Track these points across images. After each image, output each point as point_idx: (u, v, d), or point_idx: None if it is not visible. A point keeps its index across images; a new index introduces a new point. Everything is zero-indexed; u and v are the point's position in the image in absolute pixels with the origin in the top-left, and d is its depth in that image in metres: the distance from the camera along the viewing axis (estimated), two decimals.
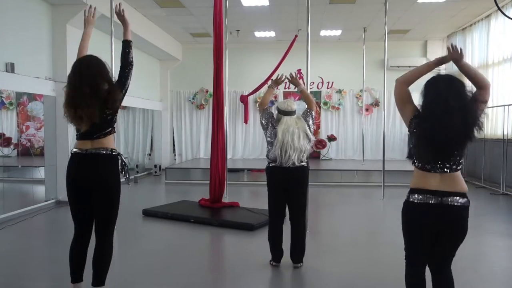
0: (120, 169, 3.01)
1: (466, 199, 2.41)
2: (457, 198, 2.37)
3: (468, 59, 10.61)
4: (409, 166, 11.67)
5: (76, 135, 3.00)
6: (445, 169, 2.38)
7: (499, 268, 4.30)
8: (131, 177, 10.64)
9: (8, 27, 6.29)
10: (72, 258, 3.04)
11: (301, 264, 4.17)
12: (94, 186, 2.91)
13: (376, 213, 7.04)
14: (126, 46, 3.13)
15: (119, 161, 3.01)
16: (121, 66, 3.08)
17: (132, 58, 3.11)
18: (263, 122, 4.23)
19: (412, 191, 2.47)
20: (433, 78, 2.46)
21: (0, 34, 6.11)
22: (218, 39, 6.88)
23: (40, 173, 8.42)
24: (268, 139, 4.16)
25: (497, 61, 9.26)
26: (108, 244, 3.07)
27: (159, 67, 12.98)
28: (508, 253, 4.87)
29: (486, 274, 4.11)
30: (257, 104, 4.45)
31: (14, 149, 9.78)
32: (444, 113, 2.31)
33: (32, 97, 9.79)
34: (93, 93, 2.80)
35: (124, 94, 3.03)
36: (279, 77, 4.52)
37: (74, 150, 2.98)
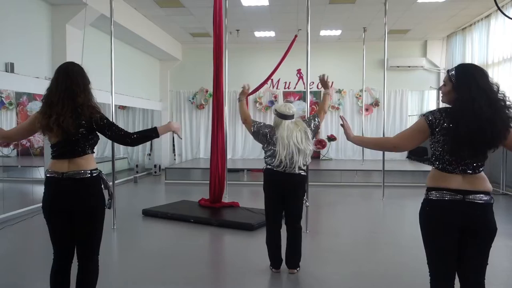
0: (102, 188, 2.79)
1: (490, 196, 2.28)
2: (480, 195, 2.25)
3: (468, 59, 10.61)
4: (408, 166, 11.65)
5: (52, 154, 2.72)
6: (468, 171, 2.25)
7: (499, 268, 4.30)
8: (131, 177, 10.65)
9: (8, 27, 6.29)
10: (54, 286, 2.75)
11: (297, 270, 4.08)
12: (76, 210, 2.67)
13: (376, 213, 7.03)
14: (149, 135, 2.87)
15: (101, 180, 2.79)
16: (123, 132, 2.78)
17: (135, 144, 2.87)
18: (258, 140, 4.05)
19: (431, 189, 2.33)
20: (468, 73, 2.28)
21: (0, 34, 6.11)
22: (218, 39, 6.88)
23: (40, 173, 8.42)
24: (268, 153, 3.99)
25: (497, 61, 9.26)
26: (93, 268, 2.78)
27: (159, 67, 12.98)
28: (508, 253, 4.87)
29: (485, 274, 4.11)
30: (242, 122, 4.28)
31: (14, 149, 9.78)
32: (473, 118, 2.17)
33: (32, 97, 9.79)
34: (68, 100, 2.61)
35: (96, 130, 2.74)
36: (245, 87, 4.32)
37: (49, 173, 2.69)
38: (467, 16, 9.89)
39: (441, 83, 2.44)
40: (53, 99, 2.63)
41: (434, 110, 2.36)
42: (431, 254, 2.38)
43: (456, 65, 2.43)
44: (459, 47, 11.21)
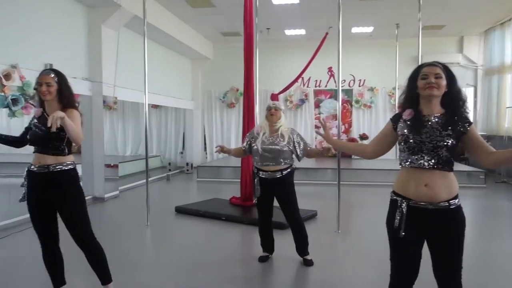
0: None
1: None
2: None
3: (507, 55, 10.22)
4: None
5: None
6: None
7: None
8: (164, 175, 10.80)
9: (47, 29, 6.51)
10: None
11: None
12: None
13: None
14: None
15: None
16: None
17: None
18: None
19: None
20: (415, 70, 2.40)
21: (39, 36, 6.33)
22: (249, 38, 6.90)
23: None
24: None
25: None
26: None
27: (191, 66, 13.14)
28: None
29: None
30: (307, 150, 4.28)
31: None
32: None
33: None
34: None
35: None
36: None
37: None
38: (506, 10, 9.52)
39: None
40: None
41: None
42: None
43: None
44: (497, 43, 10.81)
